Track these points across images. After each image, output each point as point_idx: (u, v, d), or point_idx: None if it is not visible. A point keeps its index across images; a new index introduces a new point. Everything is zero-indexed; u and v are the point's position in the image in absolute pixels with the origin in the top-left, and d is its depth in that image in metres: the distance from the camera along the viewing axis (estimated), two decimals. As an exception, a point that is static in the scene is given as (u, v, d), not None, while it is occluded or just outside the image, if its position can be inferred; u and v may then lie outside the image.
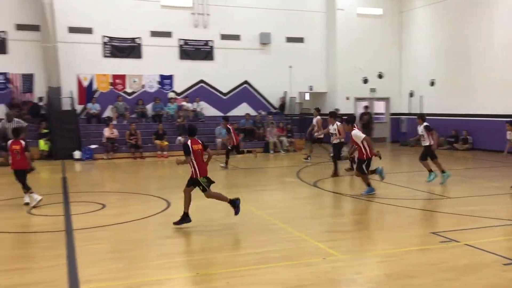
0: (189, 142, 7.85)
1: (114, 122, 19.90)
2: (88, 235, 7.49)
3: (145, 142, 19.34)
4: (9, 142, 10.09)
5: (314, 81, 24.36)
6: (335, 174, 13.29)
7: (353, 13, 23.84)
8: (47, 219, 8.61)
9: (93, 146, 18.50)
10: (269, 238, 7.23)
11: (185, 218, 7.86)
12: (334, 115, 14.12)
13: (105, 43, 20.97)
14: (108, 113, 20.90)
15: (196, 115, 21.74)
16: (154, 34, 21.55)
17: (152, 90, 21.87)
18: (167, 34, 21.75)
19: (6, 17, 19.43)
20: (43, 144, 18.28)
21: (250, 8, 22.78)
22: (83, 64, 20.46)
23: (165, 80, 22.09)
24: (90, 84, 20.82)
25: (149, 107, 21.56)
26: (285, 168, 16.69)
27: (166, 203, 9.75)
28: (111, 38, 21.04)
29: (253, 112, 22.71)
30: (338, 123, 13.76)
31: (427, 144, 11.77)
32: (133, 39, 21.36)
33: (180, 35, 22.00)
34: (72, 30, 20.25)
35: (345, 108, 23.13)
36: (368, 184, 10.49)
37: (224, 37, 22.65)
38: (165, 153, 18.98)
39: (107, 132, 18.67)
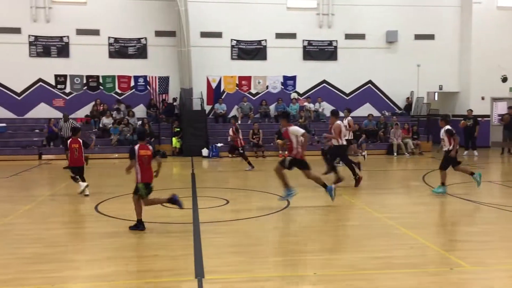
0: (136, 147, 7.80)
1: (239, 122, 20.71)
2: (213, 228, 7.91)
3: (267, 141, 19.84)
4: (69, 140, 11.05)
5: (444, 80, 22.94)
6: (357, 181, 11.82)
7: (493, 6, 21.98)
8: (178, 211, 9.23)
9: (219, 145, 19.48)
10: (391, 243, 6.99)
11: (139, 225, 7.73)
12: (336, 114, 12.63)
13: (233, 46, 21.95)
14: (233, 113, 21.83)
15: (317, 116, 21.78)
16: (279, 36, 22.03)
17: (276, 91, 22.37)
18: (292, 36, 22.09)
19: (147, 25, 21.33)
20: (175, 142, 19.70)
21: (377, 6, 22.19)
22: (212, 67, 21.67)
23: (288, 81, 22.44)
24: (218, 85, 21.96)
25: (272, 107, 22.10)
26: (409, 172, 15.97)
27: (286, 202, 9.90)
28: (238, 41, 21.96)
29: (376, 113, 22.07)
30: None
31: (446, 149, 10.81)
32: (259, 42, 22.05)
33: (304, 36, 22.19)
34: (204, 35, 21.54)
35: (480, 108, 21.48)
36: (286, 185, 9.40)
37: (349, 36, 22.34)
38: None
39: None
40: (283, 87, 22.44)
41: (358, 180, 11.75)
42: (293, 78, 22.44)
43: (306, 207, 9.68)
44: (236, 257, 6.42)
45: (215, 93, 21.94)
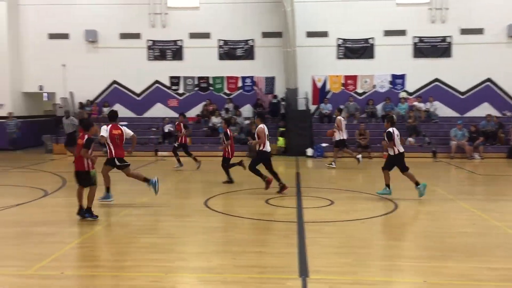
0: (108, 127, 9.53)
1: (345, 122, 20.38)
2: (317, 228, 7.88)
3: (374, 142, 19.29)
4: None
5: None
6: None
7: None
8: (282, 209, 9.37)
9: (324, 145, 19.35)
10: (511, 255, 6.44)
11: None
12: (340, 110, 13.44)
13: (339, 45, 21.67)
14: (339, 113, 21.56)
15: (428, 116, 20.68)
16: (388, 33, 21.30)
17: (383, 90, 21.67)
18: (401, 33, 21.23)
19: (255, 27, 21.86)
20: (281, 141, 19.94)
21: (497, -3, 20.55)
22: (317, 66, 21.57)
23: (397, 79, 21.61)
24: (324, 85, 21.81)
25: (379, 107, 21.44)
26: (534, 178, 14.56)
27: (394, 205, 9.57)
28: (345, 40, 21.62)
29: (495, 113, 20.40)
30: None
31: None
32: (366, 40, 21.52)
33: (415, 32, 21.20)
34: (310, 34, 21.54)
35: None
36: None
37: (465, 31, 20.92)
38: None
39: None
40: (391, 86, 21.67)
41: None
42: (402, 77, 21.56)
43: (416, 211, 9.26)
44: (340, 259, 6.34)
45: (320, 93, 21.83)
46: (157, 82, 22.57)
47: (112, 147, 9.64)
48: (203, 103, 22.22)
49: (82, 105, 22.34)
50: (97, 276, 5.68)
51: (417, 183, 10.21)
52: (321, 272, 5.79)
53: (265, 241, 7.21)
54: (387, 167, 10.48)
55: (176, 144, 15.96)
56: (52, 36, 22.39)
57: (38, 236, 7.50)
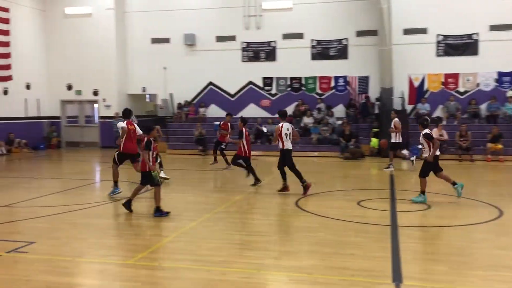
0: (124, 123, 10.65)
1: (444, 122, 19.36)
2: (412, 233, 7.57)
3: (476, 144, 18.08)
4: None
5: None
6: None
7: None
8: (375, 212, 9.11)
9: (419, 146, 18.45)
10: None
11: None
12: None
13: (438, 42, 20.62)
14: (437, 113, 20.51)
15: (541, 116, 18.99)
16: (494, 28, 19.85)
17: (488, 89, 20.24)
18: (510, 27, 19.68)
19: (349, 26, 21.50)
20: (374, 142, 19.41)
21: None
22: (415, 65, 20.68)
23: (504, 77, 20.08)
24: (421, 84, 20.83)
25: (483, 107, 20.06)
26: None
27: (498, 211, 8.91)
28: (445, 37, 20.52)
29: None
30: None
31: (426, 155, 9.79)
32: (469, 36, 20.25)
33: (526, 26, 19.59)
34: (407, 31, 20.72)
35: None
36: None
37: None
38: (500, 157, 17.35)
39: (435, 133, 18.34)
40: (497, 84, 20.17)
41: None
42: (510, 74, 19.99)
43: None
44: (437, 266, 6.03)
45: (417, 92, 20.88)
46: (250, 83, 23.03)
47: (124, 141, 10.54)
48: (295, 103, 22.28)
49: (180, 106, 23.44)
50: (192, 269, 5.92)
51: (454, 183, 9.89)
52: (415, 278, 5.56)
53: (357, 243, 7.06)
54: (426, 173, 9.93)
55: (223, 145, 16.02)
56: (155, 40, 23.74)
57: (138, 228, 7.99)
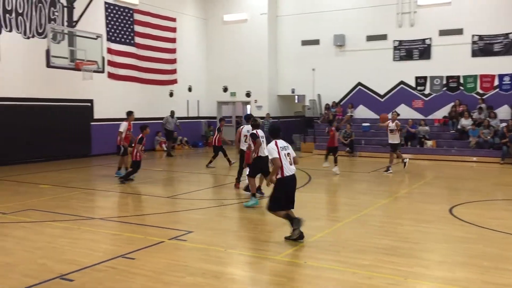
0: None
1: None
2: None
3: None
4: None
5: None
6: None
7: None
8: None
9: None
10: None
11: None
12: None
13: None
14: None
15: None
16: None
17: None
18: None
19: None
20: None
21: None
22: None
23: None
24: None
25: None
26: None
27: None
28: None
29: None
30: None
31: None
32: None
33: None
34: None
35: None
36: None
37: None
38: None
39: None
40: None
41: None
42: None
43: None
44: None
45: None
46: (402, 82, 22.12)
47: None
48: (451, 103, 20.78)
49: (328, 107, 23.49)
50: (336, 270, 5.91)
51: (253, 194, 9.74)
52: None
53: (520, 259, 6.34)
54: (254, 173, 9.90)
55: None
56: (304, 42, 24.17)
57: (286, 226, 8.21)
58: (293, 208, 7.28)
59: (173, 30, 23.85)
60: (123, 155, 13.51)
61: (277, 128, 7.47)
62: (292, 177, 7.13)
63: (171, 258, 6.43)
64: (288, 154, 7.13)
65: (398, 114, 16.31)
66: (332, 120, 16.41)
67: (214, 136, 16.29)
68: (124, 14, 21.18)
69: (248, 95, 25.30)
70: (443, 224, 8.49)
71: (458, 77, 20.88)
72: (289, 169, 7.07)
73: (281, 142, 7.19)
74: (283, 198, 7.13)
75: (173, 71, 23.97)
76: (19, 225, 8.28)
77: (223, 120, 16.89)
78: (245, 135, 11.22)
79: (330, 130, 14.97)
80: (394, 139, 15.08)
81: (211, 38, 25.99)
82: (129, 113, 13.77)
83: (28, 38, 17.30)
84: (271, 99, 25.02)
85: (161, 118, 21.64)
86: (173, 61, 23.95)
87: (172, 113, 21.33)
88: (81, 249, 6.86)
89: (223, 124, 16.58)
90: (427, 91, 21.62)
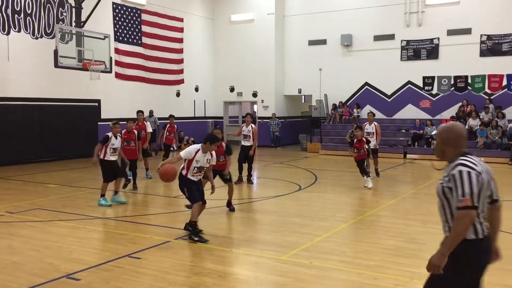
0: None
1: None
2: None
3: None
4: None
5: None
6: None
7: None
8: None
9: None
10: None
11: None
12: None
13: None
14: None
15: None
16: None
17: None
18: None
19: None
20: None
21: None
22: None
23: None
24: None
25: None
26: None
27: None
28: None
29: None
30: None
31: None
32: None
33: None
34: None
35: None
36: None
37: None
38: None
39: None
40: None
41: None
42: None
43: None
44: None
45: None
46: (409, 82, 22.03)
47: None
48: (459, 104, 20.67)
49: (335, 107, 23.44)
50: (342, 270, 5.90)
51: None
52: None
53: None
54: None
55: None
56: (311, 42, 24.13)
57: (292, 226, 8.22)
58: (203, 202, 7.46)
59: (181, 30, 23.90)
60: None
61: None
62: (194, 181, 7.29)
63: (177, 257, 6.45)
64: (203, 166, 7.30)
65: (374, 115, 14.69)
66: (351, 142, 13.02)
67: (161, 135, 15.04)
68: (132, 14, 21.26)
69: (254, 95, 25.30)
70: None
71: (466, 77, 20.76)
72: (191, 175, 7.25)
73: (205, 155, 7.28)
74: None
75: (180, 71, 24.03)
76: (26, 224, 8.34)
77: (173, 117, 15.76)
78: (245, 135, 12.34)
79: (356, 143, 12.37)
80: (372, 143, 13.44)
81: (218, 38, 26.02)
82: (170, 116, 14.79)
83: (37, 38, 17.44)
84: (277, 99, 25.01)
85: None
86: (180, 61, 24.01)
87: (151, 112, 20.54)
88: (88, 248, 6.90)
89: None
90: (434, 91, 21.52)
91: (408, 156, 19.49)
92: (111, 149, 9.82)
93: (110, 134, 9.91)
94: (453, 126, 3.39)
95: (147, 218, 8.92)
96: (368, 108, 22.89)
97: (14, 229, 7.99)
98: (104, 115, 19.78)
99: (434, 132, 19.49)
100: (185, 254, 6.70)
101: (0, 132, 16.20)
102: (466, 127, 19.46)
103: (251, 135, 12.36)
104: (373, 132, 13.68)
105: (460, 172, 3.17)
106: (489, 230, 3.36)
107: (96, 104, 19.68)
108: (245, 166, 12.62)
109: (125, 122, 11.87)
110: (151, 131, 14.03)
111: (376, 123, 13.89)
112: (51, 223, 8.41)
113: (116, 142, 9.91)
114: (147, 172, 13.50)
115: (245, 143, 12.49)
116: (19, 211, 9.30)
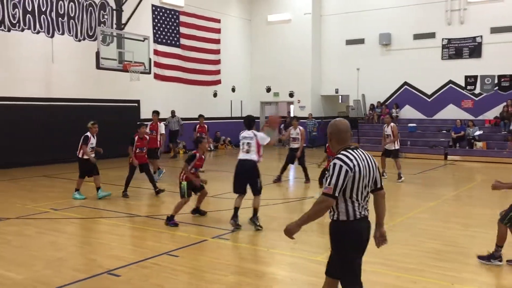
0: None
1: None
2: None
3: None
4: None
5: None
6: None
7: None
8: None
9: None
10: None
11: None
12: None
13: None
14: None
15: None
16: None
17: None
18: None
19: None
20: None
21: None
22: None
23: None
24: None
25: None
26: None
27: None
28: None
29: None
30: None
31: None
32: None
33: None
34: None
35: None
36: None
37: None
38: None
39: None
40: None
41: None
42: None
43: None
44: None
45: None
46: (450, 82, 21.48)
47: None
48: (503, 103, 19.99)
49: (372, 107, 23.11)
50: (379, 273, 5.82)
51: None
52: None
53: None
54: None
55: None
56: (349, 42, 23.88)
57: (325, 227, 8.14)
58: (242, 193, 7.97)
59: (218, 31, 24.12)
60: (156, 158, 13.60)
61: (246, 120, 8.69)
62: (243, 162, 8.00)
63: (214, 256, 6.53)
64: (248, 143, 8.14)
65: (392, 117, 14.56)
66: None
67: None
68: (170, 16, 21.61)
69: (291, 95, 25.25)
70: (492, 228, 8.17)
71: (511, 76, 20.06)
72: (242, 155, 8.13)
73: (245, 133, 8.39)
74: (234, 181, 8.06)
75: (217, 72, 24.24)
76: (69, 221, 8.62)
77: (202, 117, 16.08)
78: (294, 137, 12.94)
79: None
80: (391, 145, 13.60)
81: (254, 39, 26.11)
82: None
83: (79, 40, 17.98)
84: (314, 99, 24.88)
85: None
86: (217, 62, 24.23)
87: (173, 113, 20.68)
88: (128, 246, 7.07)
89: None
90: (477, 91, 20.89)
91: (449, 157, 19.00)
92: (90, 148, 10.50)
93: (89, 134, 10.58)
94: (335, 122, 3.75)
95: (185, 217, 9.06)
96: (407, 109, 22.50)
97: (58, 226, 8.28)
98: (143, 115, 20.17)
99: (477, 133, 18.96)
100: (222, 253, 6.77)
101: (44, 131, 16.79)
102: (511, 127, 18.82)
103: (299, 137, 12.86)
104: (390, 134, 13.69)
105: (334, 164, 3.59)
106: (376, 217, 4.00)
107: (136, 104, 20.10)
108: (289, 167, 13.43)
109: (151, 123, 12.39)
110: (163, 132, 13.96)
111: (393, 124, 13.91)
112: (92, 220, 8.67)
113: (94, 142, 10.64)
114: (160, 170, 13.41)
115: (293, 145, 12.97)
116: (63, 208, 9.62)
